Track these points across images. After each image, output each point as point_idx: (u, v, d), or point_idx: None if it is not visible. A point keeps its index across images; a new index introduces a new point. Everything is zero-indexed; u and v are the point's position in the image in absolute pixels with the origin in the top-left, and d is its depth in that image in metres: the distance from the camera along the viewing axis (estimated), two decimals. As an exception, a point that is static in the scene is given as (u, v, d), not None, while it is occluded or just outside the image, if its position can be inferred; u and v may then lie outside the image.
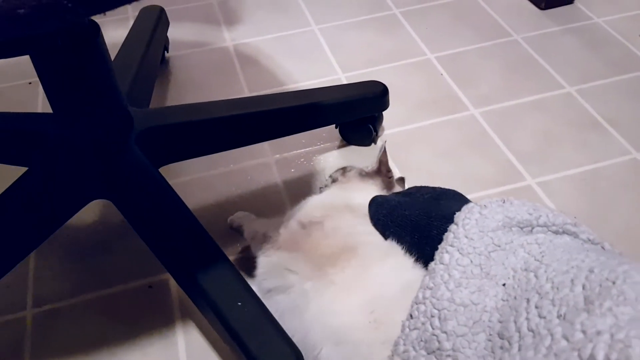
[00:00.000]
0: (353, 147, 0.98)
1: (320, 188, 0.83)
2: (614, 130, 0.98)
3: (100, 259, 0.83)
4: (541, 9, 1.26)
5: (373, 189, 0.77)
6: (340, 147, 0.98)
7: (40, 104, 1.10)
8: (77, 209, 0.77)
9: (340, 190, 0.78)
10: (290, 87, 1.11)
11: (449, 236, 0.58)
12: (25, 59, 0.65)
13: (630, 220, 0.84)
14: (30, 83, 1.14)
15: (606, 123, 0.99)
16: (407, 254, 0.62)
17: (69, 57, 0.64)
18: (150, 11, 1.10)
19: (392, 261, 0.62)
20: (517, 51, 1.16)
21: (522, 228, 0.57)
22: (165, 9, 1.13)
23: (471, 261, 0.54)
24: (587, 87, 1.06)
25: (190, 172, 0.94)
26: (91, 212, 0.88)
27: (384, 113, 0.97)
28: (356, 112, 0.94)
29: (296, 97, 0.95)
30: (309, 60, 1.17)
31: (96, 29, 0.66)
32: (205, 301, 0.65)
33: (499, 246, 0.55)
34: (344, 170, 0.81)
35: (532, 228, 0.57)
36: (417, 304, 0.54)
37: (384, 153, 0.78)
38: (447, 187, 0.89)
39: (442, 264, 0.55)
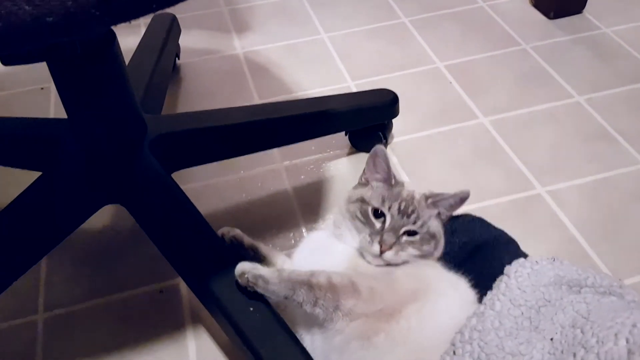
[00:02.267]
0: (362, 155, 0.99)
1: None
2: (624, 140, 0.98)
3: (111, 264, 0.84)
4: (550, 18, 1.26)
5: None
6: (349, 154, 0.99)
7: (53, 109, 1.11)
8: (89, 214, 0.77)
9: None
10: (300, 95, 1.11)
11: (500, 285, 0.60)
12: (38, 64, 0.66)
13: (639, 230, 0.84)
14: (42, 88, 1.16)
15: (615, 133, 0.99)
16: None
17: (85, 64, 0.65)
18: (162, 19, 1.11)
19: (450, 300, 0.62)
20: (526, 60, 1.16)
21: (571, 287, 0.60)
22: (177, 16, 1.15)
23: (522, 313, 0.57)
24: (596, 97, 1.07)
25: (201, 178, 0.95)
26: (103, 217, 0.88)
27: (394, 121, 0.98)
28: (366, 119, 0.95)
29: (306, 104, 0.96)
30: (319, 68, 1.17)
31: (112, 36, 0.67)
32: (217, 306, 0.66)
33: (549, 301, 0.58)
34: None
35: (581, 288, 0.60)
36: (462, 342, 0.55)
37: None
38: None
39: (493, 310, 0.57)
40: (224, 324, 0.65)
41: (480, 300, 0.61)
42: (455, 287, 0.64)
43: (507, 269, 0.62)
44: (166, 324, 0.76)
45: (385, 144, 0.98)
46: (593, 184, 0.91)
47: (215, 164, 0.92)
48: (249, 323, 0.63)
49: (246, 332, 0.63)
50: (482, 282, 0.64)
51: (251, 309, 0.64)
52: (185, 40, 1.21)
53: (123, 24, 0.35)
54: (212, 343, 0.74)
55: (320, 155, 0.99)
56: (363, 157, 0.98)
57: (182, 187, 0.77)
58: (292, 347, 0.61)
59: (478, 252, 0.71)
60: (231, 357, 0.72)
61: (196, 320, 0.76)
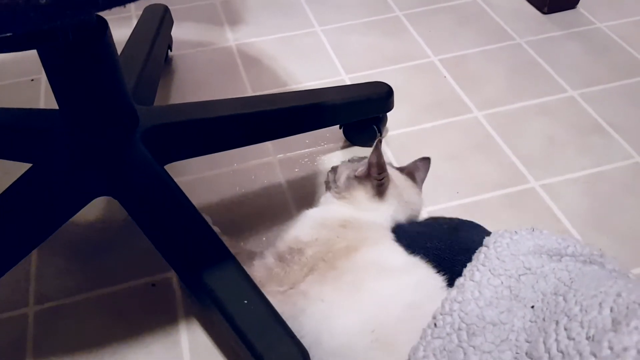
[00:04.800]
0: (357, 148, 0.98)
1: (326, 182, 0.81)
2: (617, 134, 0.98)
3: (103, 257, 0.83)
4: (544, 13, 1.26)
5: (364, 197, 0.74)
6: (344, 147, 0.98)
7: (43, 100, 1.10)
8: (81, 206, 0.76)
9: (332, 205, 0.74)
10: (293, 88, 1.11)
11: (479, 256, 0.59)
12: (28, 55, 0.65)
13: (633, 224, 0.84)
14: (32, 80, 1.14)
15: (609, 127, 0.99)
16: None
17: (76, 53, 0.64)
18: (154, 10, 1.10)
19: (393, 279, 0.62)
20: (520, 55, 1.16)
21: (551, 256, 0.59)
22: (169, 8, 1.13)
23: (502, 282, 0.56)
24: (589, 92, 1.07)
25: (194, 171, 0.94)
26: (95, 209, 0.87)
27: (388, 114, 0.98)
28: (361, 112, 0.94)
29: (301, 96, 0.95)
30: (313, 61, 1.17)
31: (104, 25, 0.66)
32: (211, 300, 0.65)
33: (530, 269, 0.57)
34: (334, 172, 0.79)
35: (561, 257, 0.59)
36: (442, 314, 0.55)
37: (376, 153, 0.73)
38: (451, 189, 0.89)
39: (473, 280, 0.57)
40: (218, 317, 0.65)
41: (456, 278, 0.60)
42: (390, 269, 0.64)
43: (486, 240, 0.61)
44: (159, 317, 0.75)
45: (380, 138, 0.98)
46: (587, 177, 0.91)
47: (208, 156, 0.91)
48: (244, 317, 0.63)
49: (240, 326, 0.62)
50: (453, 259, 0.63)
51: (245, 302, 0.63)
52: (178, 32, 1.20)
53: (114, 15, 0.35)
54: (205, 336, 0.73)
55: (315, 148, 0.98)
56: (357, 150, 0.98)
57: (174, 180, 0.76)
58: (287, 340, 0.60)
59: (448, 233, 0.70)
60: (224, 351, 0.71)
61: (189, 313, 0.75)
